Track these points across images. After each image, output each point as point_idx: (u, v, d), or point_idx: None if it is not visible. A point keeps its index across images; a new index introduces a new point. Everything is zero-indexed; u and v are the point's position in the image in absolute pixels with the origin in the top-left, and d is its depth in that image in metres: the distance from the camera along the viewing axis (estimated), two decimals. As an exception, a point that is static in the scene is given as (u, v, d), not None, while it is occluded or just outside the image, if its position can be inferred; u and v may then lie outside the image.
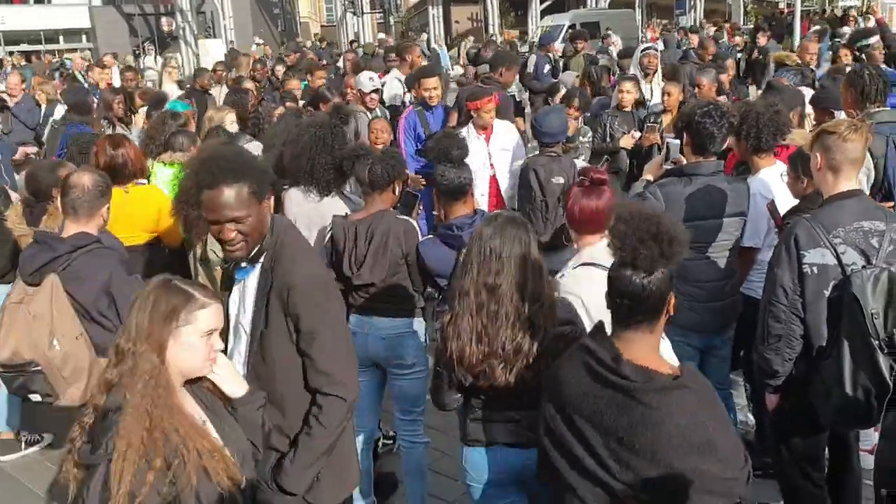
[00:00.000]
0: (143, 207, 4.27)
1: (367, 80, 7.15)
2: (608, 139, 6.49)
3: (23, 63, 18.57)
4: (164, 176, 4.80)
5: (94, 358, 3.06)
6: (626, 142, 6.35)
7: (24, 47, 28.45)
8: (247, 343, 2.56)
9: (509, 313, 2.57)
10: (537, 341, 2.58)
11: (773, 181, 4.04)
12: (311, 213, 4.02)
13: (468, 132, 5.62)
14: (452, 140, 4.39)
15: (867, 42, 8.86)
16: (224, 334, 2.46)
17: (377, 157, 3.81)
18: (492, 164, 5.67)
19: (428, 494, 3.91)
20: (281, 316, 2.47)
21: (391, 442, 4.54)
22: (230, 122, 5.74)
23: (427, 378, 3.58)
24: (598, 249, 2.97)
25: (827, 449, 3.49)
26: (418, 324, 3.81)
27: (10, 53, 21.75)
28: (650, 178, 4.27)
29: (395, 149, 5.32)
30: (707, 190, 3.74)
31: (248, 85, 8.26)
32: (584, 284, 2.89)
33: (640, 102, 6.84)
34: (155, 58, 20.47)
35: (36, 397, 3.02)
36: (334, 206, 3.99)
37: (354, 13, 29.35)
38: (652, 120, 6.43)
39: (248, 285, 2.55)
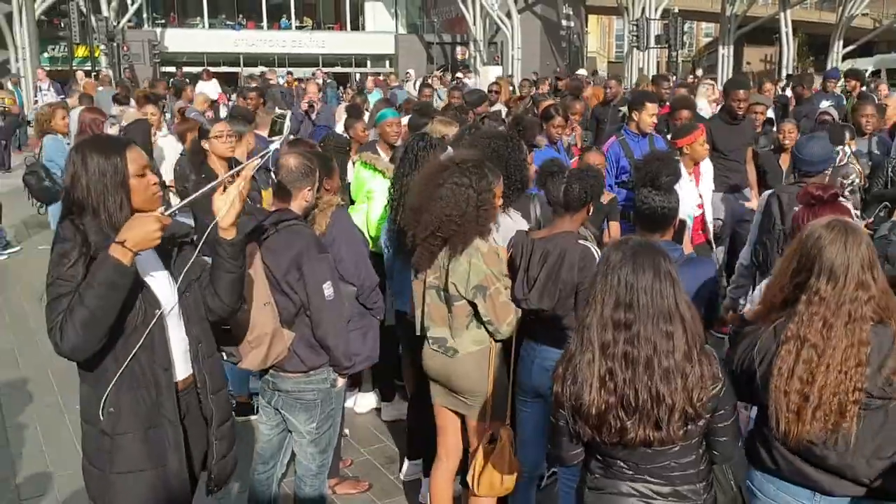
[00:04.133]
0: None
1: None
2: (889, 185, 5.80)
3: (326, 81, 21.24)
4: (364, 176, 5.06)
5: (278, 327, 3.10)
6: None
7: (337, 69, 32.11)
8: None
9: (650, 357, 2.16)
10: (687, 391, 2.15)
11: None
12: None
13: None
14: (664, 163, 3.81)
15: None
16: None
17: (575, 175, 3.49)
18: (700, 205, 5.38)
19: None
20: None
21: (554, 478, 4.12)
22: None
23: None
24: None
25: None
26: None
27: (328, 75, 24.77)
28: None
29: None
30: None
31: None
32: None
33: None
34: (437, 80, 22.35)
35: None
36: (500, 220, 3.62)
37: (638, 47, 29.14)
38: None
39: None
